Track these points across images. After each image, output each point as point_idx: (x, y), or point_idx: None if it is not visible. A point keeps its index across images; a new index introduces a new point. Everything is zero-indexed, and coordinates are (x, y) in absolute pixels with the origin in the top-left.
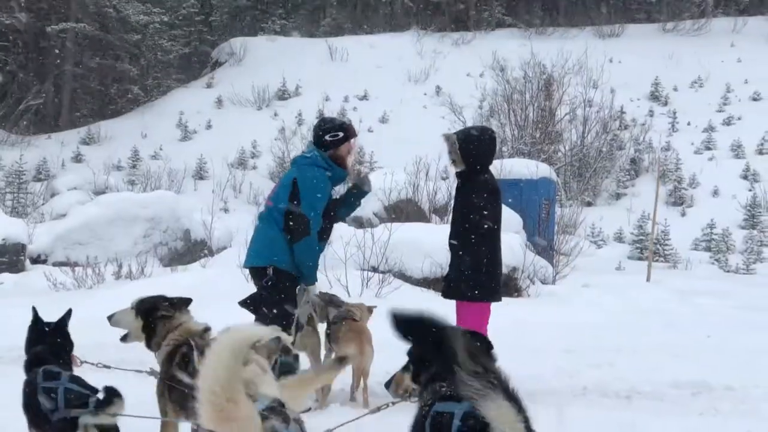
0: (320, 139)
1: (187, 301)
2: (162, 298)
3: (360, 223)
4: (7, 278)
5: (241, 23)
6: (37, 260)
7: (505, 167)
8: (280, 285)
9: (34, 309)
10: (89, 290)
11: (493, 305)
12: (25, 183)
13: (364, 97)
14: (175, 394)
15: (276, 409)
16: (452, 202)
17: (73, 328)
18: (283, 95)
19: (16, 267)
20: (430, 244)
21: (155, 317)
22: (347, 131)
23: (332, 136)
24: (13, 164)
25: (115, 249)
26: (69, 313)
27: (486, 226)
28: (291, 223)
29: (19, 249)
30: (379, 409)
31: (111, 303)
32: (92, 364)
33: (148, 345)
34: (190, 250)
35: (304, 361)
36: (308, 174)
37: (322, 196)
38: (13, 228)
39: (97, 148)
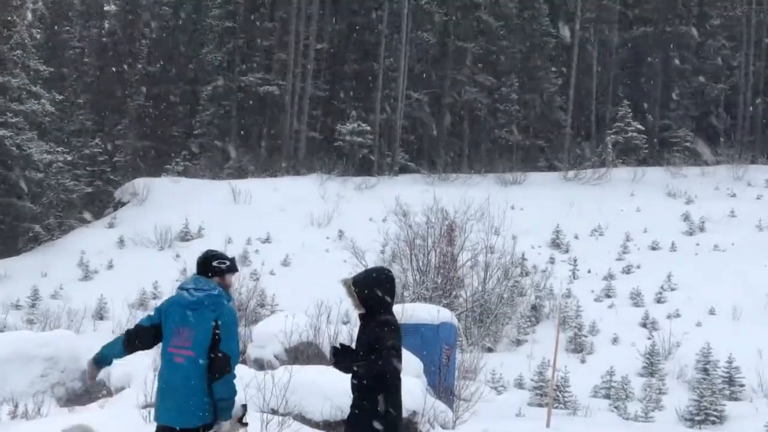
0: (209, 267)
1: None
2: None
3: (261, 365)
4: None
5: (144, 164)
6: None
7: (406, 311)
8: None
9: None
10: None
11: None
12: None
13: (267, 240)
14: None
15: None
16: (353, 344)
17: None
18: (185, 236)
19: None
20: (331, 386)
21: None
22: (231, 261)
23: (220, 262)
24: None
25: (11, 388)
26: None
27: (395, 366)
28: (214, 364)
29: None
30: None
31: None
32: None
33: None
34: (88, 391)
35: None
36: (227, 311)
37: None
38: None
39: None
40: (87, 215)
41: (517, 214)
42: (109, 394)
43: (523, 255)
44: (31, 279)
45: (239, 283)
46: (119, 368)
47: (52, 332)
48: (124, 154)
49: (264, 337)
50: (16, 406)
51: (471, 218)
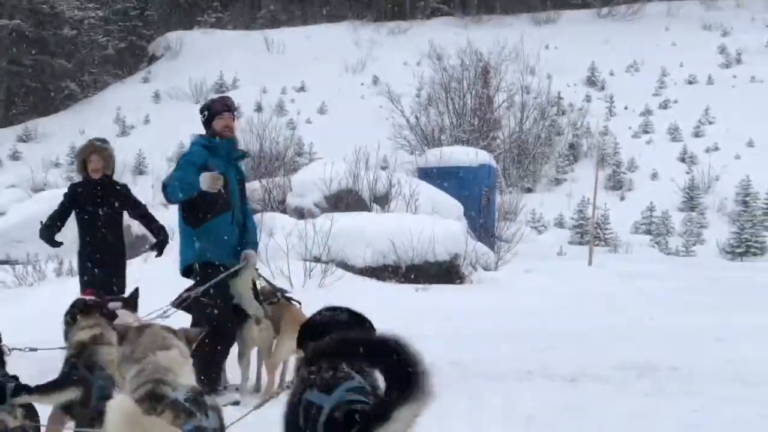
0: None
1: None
2: (81, 303)
3: (301, 214)
4: None
5: (177, 17)
6: None
7: (444, 155)
8: (204, 276)
9: None
10: (30, 287)
11: (438, 292)
12: None
13: (302, 89)
14: None
15: (195, 399)
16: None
17: (15, 325)
18: (220, 88)
19: None
20: (372, 233)
21: (66, 320)
22: (210, 108)
23: (202, 116)
24: None
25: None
26: None
27: None
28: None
29: None
30: (266, 401)
31: (53, 300)
32: (20, 349)
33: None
34: (131, 245)
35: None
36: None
37: (184, 163)
38: None
39: (34, 145)
40: (121, 71)
41: (552, 54)
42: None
43: (559, 94)
44: (68, 136)
45: (276, 132)
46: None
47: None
48: (155, 8)
49: (303, 185)
50: (61, 263)
51: (505, 59)
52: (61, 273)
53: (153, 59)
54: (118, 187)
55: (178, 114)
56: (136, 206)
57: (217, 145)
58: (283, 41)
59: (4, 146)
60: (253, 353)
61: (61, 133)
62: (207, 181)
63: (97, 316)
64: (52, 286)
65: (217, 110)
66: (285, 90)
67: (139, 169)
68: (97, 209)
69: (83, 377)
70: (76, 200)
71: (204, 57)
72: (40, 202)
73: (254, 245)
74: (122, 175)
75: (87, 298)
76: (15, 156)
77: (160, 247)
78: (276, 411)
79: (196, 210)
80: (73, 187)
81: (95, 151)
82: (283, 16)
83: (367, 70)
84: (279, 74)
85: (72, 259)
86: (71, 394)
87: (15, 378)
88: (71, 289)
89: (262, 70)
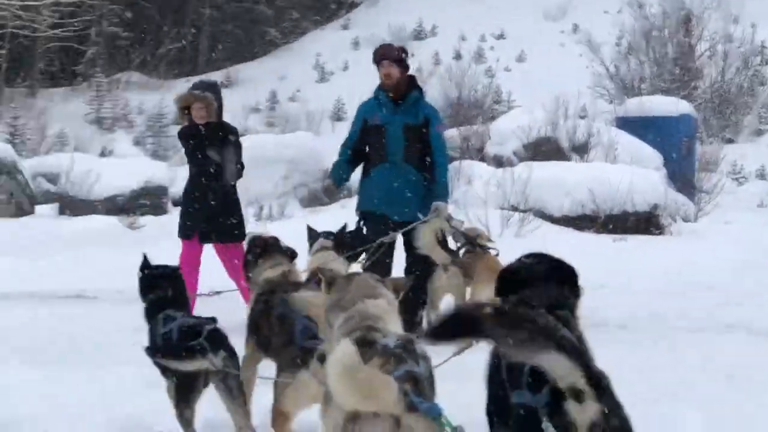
0: None
1: (290, 253)
2: (262, 241)
3: (499, 162)
4: (149, 221)
5: None
6: (178, 203)
7: (644, 104)
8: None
9: (144, 255)
10: None
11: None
12: (165, 127)
13: (501, 36)
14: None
15: (405, 346)
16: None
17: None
18: (419, 35)
19: (158, 209)
20: (570, 182)
21: (247, 259)
22: (373, 57)
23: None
24: (154, 108)
25: (255, 191)
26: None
27: None
28: None
29: (161, 192)
30: (464, 348)
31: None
32: (206, 294)
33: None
34: (329, 191)
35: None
36: None
37: (354, 118)
38: (155, 171)
39: (235, 90)
40: (321, 17)
41: (756, 1)
42: (350, 194)
43: (762, 43)
44: (268, 82)
45: (474, 80)
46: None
47: (292, 134)
48: None
49: (502, 134)
50: (261, 208)
51: (708, 7)
52: (261, 218)
53: (352, 6)
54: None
55: None
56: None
57: (378, 96)
58: None
59: None
60: None
61: (262, 79)
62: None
63: (278, 254)
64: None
65: (376, 59)
66: (484, 37)
67: (338, 116)
68: (204, 153)
69: (284, 314)
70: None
71: (403, 4)
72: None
73: (443, 196)
74: (321, 121)
75: (264, 234)
76: None
77: None
78: (475, 358)
79: (365, 161)
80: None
81: (197, 100)
82: None
83: (567, 18)
84: (478, 21)
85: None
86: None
87: (213, 320)
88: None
89: (461, 18)
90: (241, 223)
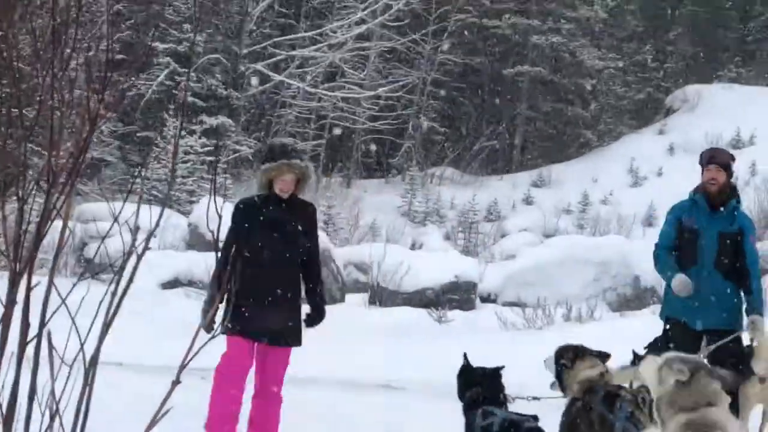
0: None
1: (603, 356)
2: (572, 348)
3: None
4: (457, 315)
5: (696, 71)
6: (486, 299)
7: None
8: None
9: (464, 355)
10: (538, 331)
11: None
12: (476, 223)
13: None
14: None
15: None
16: None
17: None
18: (736, 144)
19: (467, 305)
20: None
21: (560, 365)
22: (700, 159)
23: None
24: (466, 204)
25: (564, 291)
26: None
27: None
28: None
29: (470, 287)
30: None
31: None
32: (523, 398)
33: (562, 390)
34: (638, 296)
35: None
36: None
37: (667, 218)
38: (466, 266)
39: (547, 190)
40: (637, 122)
41: None
42: (659, 301)
43: None
44: (581, 184)
45: None
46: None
47: (603, 237)
48: (675, 60)
49: None
50: (569, 309)
51: None
52: (569, 319)
53: (669, 111)
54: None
55: (691, 167)
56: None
57: (695, 199)
58: None
59: (518, 190)
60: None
61: (573, 181)
62: (676, 285)
63: (592, 357)
64: (559, 332)
65: (702, 162)
66: None
67: (649, 221)
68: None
69: (603, 414)
70: None
71: (721, 112)
72: (552, 247)
73: (758, 308)
74: (632, 225)
75: (572, 344)
76: (528, 200)
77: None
78: None
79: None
80: None
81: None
82: None
83: None
84: None
85: (580, 306)
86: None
87: (534, 418)
88: (578, 335)
89: None
90: None
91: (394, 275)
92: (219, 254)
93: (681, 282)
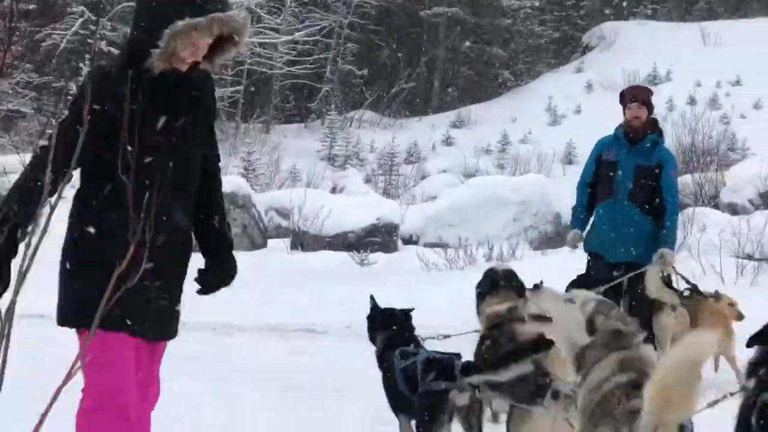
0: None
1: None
2: (492, 275)
3: (734, 210)
4: (380, 257)
5: (611, 8)
6: (408, 241)
7: None
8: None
9: (371, 297)
10: (461, 271)
11: None
12: (396, 165)
13: (737, 83)
14: None
15: None
16: None
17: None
18: (653, 80)
19: (388, 247)
20: None
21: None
22: (621, 98)
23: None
24: (385, 146)
25: (486, 231)
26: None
27: None
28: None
29: (392, 229)
30: (716, 402)
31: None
32: (433, 338)
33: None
34: (559, 234)
35: None
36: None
37: (589, 156)
38: (386, 209)
39: (466, 131)
40: (555, 61)
41: None
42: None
43: None
44: (500, 124)
45: (708, 126)
46: None
47: (523, 177)
48: None
49: (737, 181)
50: (491, 249)
51: None
52: (491, 258)
53: (586, 49)
54: None
55: (609, 105)
56: None
57: (617, 134)
58: (719, 34)
59: (438, 131)
60: None
61: (493, 120)
62: (569, 239)
63: (506, 290)
64: (481, 271)
65: (624, 101)
66: (719, 84)
67: (569, 159)
68: None
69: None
70: None
71: (637, 48)
72: (472, 188)
73: (669, 243)
74: (552, 164)
75: (499, 267)
76: (448, 141)
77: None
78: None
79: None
80: None
81: None
82: (720, 8)
83: None
84: (713, 67)
85: (502, 245)
86: (520, 369)
87: (457, 356)
88: None
89: (696, 63)
90: None
91: (316, 219)
92: None
93: (571, 237)
